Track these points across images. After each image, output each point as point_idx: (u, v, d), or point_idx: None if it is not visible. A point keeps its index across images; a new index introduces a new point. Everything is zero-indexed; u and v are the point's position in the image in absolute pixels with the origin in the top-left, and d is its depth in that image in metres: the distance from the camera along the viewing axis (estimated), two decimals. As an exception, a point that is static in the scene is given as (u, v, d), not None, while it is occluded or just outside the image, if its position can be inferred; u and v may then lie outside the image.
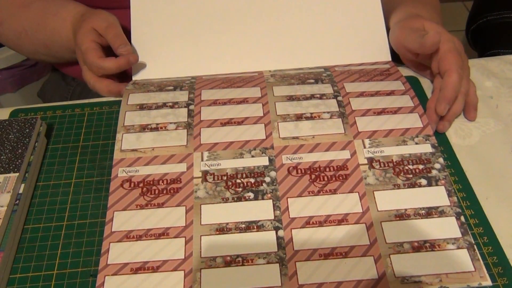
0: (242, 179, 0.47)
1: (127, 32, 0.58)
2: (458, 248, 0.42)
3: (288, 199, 0.45)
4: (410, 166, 0.47)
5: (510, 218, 0.46)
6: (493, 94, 0.58)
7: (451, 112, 0.53)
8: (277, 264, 0.42)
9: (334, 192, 0.46)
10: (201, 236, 0.43)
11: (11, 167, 0.49)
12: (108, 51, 0.57)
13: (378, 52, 0.59)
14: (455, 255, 0.41)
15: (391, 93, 0.54)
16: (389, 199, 0.45)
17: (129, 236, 0.44)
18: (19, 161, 0.50)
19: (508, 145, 0.53)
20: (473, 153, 0.52)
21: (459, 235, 0.43)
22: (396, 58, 0.61)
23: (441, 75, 0.53)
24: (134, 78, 0.59)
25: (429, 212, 0.44)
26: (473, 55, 0.93)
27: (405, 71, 0.61)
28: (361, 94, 0.54)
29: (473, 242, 0.42)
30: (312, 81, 0.56)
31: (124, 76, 0.59)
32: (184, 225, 0.44)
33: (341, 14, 0.61)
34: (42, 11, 0.62)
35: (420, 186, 0.46)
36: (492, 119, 0.55)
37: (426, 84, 0.59)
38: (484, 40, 0.90)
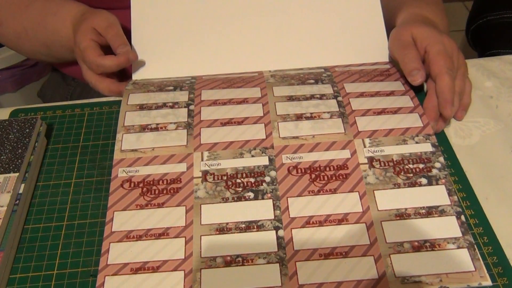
0: (242, 179, 0.47)
1: (127, 32, 0.58)
2: (459, 247, 0.42)
3: (288, 198, 0.45)
4: (411, 165, 0.47)
5: (510, 218, 0.46)
6: (493, 94, 0.58)
7: None
8: (277, 264, 0.42)
9: (334, 191, 0.46)
10: (201, 236, 0.43)
11: (11, 167, 0.49)
12: (108, 51, 0.57)
13: (378, 52, 0.59)
14: (455, 255, 0.41)
15: (391, 93, 0.54)
16: (389, 199, 0.45)
17: (129, 236, 0.44)
18: (19, 161, 0.50)
19: (508, 145, 0.53)
20: (473, 153, 0.52)
21: (459, 234, 0.43)
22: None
23: (432, 79, 0.53)
24: (134, 78, 0.59)
25: (430, 212, 0.44)
26: (473, 55, 0.93)
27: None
28: (361, 95, 0.54)
29: (474, 241, 0.42)
30: (312, 81, 0.56)
31: (125, 76, 0.59)
32: (184, 225, 0.44)
33: (341, 14, 0.61)
34: (42, 11, 0.62)
35: (420, 185, 0.46)
36: (492, 119, 0.55)
37: (426, 84, 0.59)
38: (484, 40, 0.90)
